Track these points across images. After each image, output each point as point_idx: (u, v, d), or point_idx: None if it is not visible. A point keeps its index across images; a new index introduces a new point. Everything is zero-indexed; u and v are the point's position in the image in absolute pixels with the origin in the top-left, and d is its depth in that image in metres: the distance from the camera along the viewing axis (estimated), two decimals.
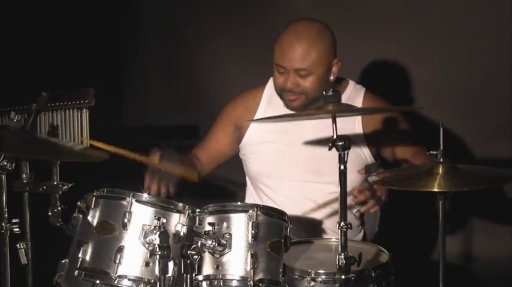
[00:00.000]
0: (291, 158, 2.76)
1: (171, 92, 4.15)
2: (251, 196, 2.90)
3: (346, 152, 2.05)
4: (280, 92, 2.69)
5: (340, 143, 2.05)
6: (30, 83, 3.26)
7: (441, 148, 2.10)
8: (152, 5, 4.13)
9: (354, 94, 2.78)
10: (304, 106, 2.65)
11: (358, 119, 2.74)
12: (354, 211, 2.81)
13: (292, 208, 2.65)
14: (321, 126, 2.64)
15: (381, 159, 2.83)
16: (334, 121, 2.09)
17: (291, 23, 2.67)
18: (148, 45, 4.18)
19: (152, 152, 2.54)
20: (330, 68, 2.65)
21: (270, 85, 2.82)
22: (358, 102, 2.75)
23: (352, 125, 2.73)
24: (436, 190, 2.05)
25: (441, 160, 2.10)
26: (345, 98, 2.68)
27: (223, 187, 3.72)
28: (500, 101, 3.53)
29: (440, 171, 2.09)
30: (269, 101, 2.81)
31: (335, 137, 2.07)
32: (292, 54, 2.59)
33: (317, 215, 2.75)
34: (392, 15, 3.61)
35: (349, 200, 2.63)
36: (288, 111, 2.70)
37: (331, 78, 2.66)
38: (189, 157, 2.83)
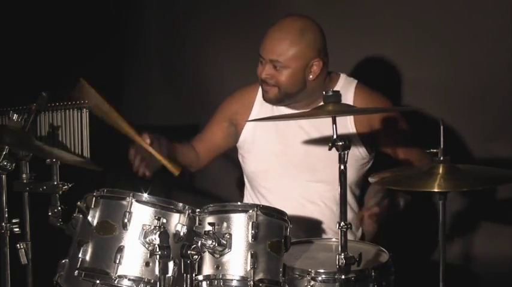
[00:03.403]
0: (286, 158, 2.76)
1: (171, 92, 4.15)
2: (249, 196, 2.90)
3: (346, 152, 2.05)
4: (260, 81, 2.71)
5: (340, 143, 2.04)
6: (30, 83, 3.26)
7: (441, 145, 2.10)
8: (153, 6, 4.12)
9: (345, 87, 2.76)
10: (277, 99, 2.67)
11: (350, 116, 2.73)
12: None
13: (290, 209, 2.65)
14: (316, 126, 2.66)
15: (376, 152, 2.82)
16: (334, 121, 2.08)
17: (282, 17, 2.68)
18: (148, 46, 4.18)
19: (143, 135, 2.56)
20: (308, 66, 2.63)
21: None
22: (350, 95, 2.75)
23: (344, 123, 2.72)
24: (436, 190, 2.05)
25: (441, 158, 2.10)
26: None
27: (222, 187, 3.72)
28: (500, 101, 3.52)
29: (440, 171, 2.09)
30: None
31: (335, 137, 2.06)
32: (270, 45, 2.61)
33: (317, 215, 2.75)
34: (392, 14, 3.61)
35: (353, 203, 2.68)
36: (284, 109, 2.70)
37: (311, 77, 2.64)
38: (180, 148, 2.83)
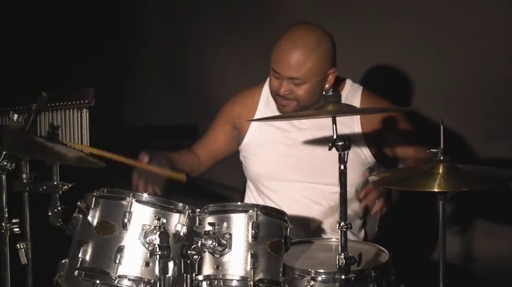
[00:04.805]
0: (292, 160, 2.76)
1: (171, 92, 4.15)
2: (252, 197, 2.89)
3: (346, 152, 2.05)
4: (274, 95, 2.69)
5: (340, 143, 2.04)
6: (30, 83, 3.26)
7: (441, 145, 2.10)
8: (153, 6, 4.13)
9: (351, 93, 2.77)
10: (294, 111, 2.64)
11: (357, 119, 2.73)
12: (359, 215, 2.81)
13: (295, 209, 2.66)
14: (321, 127, 2.65)
15: (382, 158, 2.82)
16: (334, 121, 2.09)
17: (290, 28, 2.64)
18: (148, 46, 4.18)
19: (141, 155, 2.56)
20: (325, 78, 2.63)
21: (268, 84, 2.82)
22: (356, 101, 2.75)
23: (351, 124, 2.73)
24: (436, 190, 2.05)
25: (441, 157, 2.10)
26: (343, 97, 2.67)
27: (222, 188, 3.72)
28: (500, 101, 3.52)
29: (441, 171, 2.08)
30: (268, 101, 2.81)
31: (335, 137, 2.07)
32: (287, 62, 2.58)
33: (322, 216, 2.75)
34: (392, 15, 3.61)
35: (357, 205, 2.66)
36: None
37: (326, 86, 2.64)
38: (178, 157, 2.80)
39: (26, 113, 2.42)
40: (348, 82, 2.82)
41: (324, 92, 2.19)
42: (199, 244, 2.07)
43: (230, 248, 2.11)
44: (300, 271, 2.19)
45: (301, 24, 2.67)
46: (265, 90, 2.82)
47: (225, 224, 2.13)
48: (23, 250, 2.38)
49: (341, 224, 2.05)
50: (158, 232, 2.03)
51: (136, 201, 2.12)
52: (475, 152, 3.59)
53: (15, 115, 2.35)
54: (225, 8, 3.92)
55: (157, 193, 2.57)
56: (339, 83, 2.79)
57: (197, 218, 2.17)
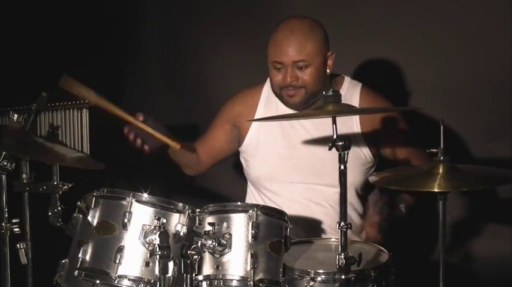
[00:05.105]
0: (292, 161, 2.75)
1: (171, 92, 4.14)
2: (254, 198, 2.88)
3: (346, 152, 2.05)
4: (279, 90, 2.68)
5: (340, 143, 2.05)
6: (30, 83, 3.26)
7: (441, 145, 2.10)
8: (153, 6, 4.12)
9: (350, 90, 2.78)
10: (303, 101, 2.65)
11: (356, 118, 2.74)
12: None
13: (296, 211, 2.66)
14: (321, 127, 2.65)
15: (380, 158, 2.83)
16: (334, 121, 2.09)
17: (281, 22, 2.68)
18: (148, 46, 4.18)
19: (137, 115, 2.58)
20: (325, 60, 2.66)
21: (268, 84, 2.81)
22: (355, 98, 2.76)
23: (350, 124, 2.73)
24: (436, 190, 2.05)
25: (441, 157, 2.10)
26: (342, 94, 2.67)
27: (222, 187, 3.72)
28: (500, 101, 3.52)
29: (440, 171, 2.09)
30: (268, 101, 2.81)
31: (335, 137, 2.07)
32: (289, 48, 2.60)
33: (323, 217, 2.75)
34: (392, 14, 3.60)
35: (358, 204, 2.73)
36: (287, 111, 2.70)
37: (328, 71, 2.67)
38: (188, 144, 2.81)
39: (26, 113, 2.43)
40: (347, 79, 2.82)
41: (323, 92, 2.18)
42: (199, 244, 2.07)
43: (230, 248, 2.11)
44: (299, 271, 2.19)
45: (290, 17, 2.72)
46: (265, 90, 2.82)
47: (225, 224, 2.13)
48: (23, 250, 2.38)
49: (341, 224, 2.05)
50: (158, 232, 2.03)
51: (136, 201, 2.13)
52: (475, 152, 3.59)
53: (15, 115, 2.36)
54: (225, 8, 3.92)
55: (145, 150, 2.58)
56: (338, 81, 2.79)
57: (197, 218, 2.18)
